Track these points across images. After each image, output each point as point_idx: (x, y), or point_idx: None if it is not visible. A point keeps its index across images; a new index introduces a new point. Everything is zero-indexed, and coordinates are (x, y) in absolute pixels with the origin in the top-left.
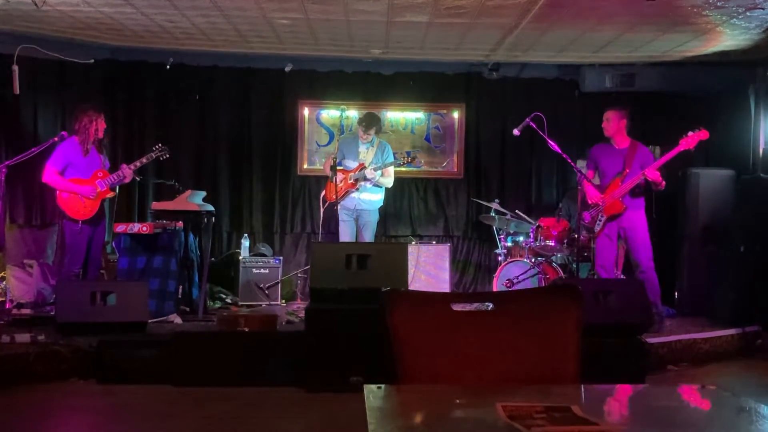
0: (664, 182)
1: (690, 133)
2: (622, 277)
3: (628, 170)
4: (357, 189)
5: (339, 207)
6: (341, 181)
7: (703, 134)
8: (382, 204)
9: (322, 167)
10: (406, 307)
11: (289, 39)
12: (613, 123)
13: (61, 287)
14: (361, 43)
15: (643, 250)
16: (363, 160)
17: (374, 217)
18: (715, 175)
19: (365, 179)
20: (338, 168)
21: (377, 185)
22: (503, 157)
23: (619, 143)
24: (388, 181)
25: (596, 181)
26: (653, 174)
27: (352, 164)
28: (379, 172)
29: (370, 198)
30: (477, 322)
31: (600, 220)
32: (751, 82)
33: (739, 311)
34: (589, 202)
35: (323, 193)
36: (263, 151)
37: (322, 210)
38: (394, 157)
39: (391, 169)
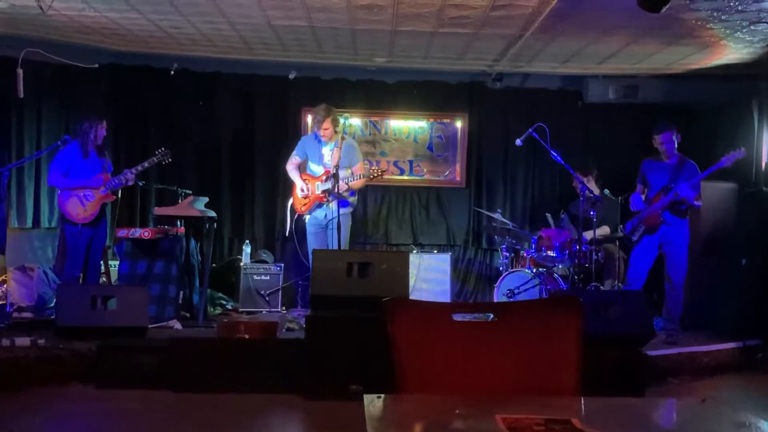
0: (696, 202)
1: (732, 152)
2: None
3: (672, 185)
4: (326, 202)
5: (307, 218)
6: (309, 191)
7: (739, 153)
8: (356, 204)
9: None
10: (407, 317)
11: (294, 46)
12: (673, 143)
13: (61, 291)
14: (365, 52)
15: (679, 267)
16: (327, 164)
17: (347, 221)
18: (718, 188)
19: (335, 192)
20: (304, 173)
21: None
22: (506, 166)
23: (670, 158)
24: (360, 185)
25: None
26: (685, 191)
27: (317, 169)
28: (348, 179)
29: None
30: (478, 333)
31: (639, 231)
32: (755, 95)
33: (740, 324)
34: (632, 209)
35: (290, 201)
36: (266, 158)
37: (289, 222)
38: (370, 163)
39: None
